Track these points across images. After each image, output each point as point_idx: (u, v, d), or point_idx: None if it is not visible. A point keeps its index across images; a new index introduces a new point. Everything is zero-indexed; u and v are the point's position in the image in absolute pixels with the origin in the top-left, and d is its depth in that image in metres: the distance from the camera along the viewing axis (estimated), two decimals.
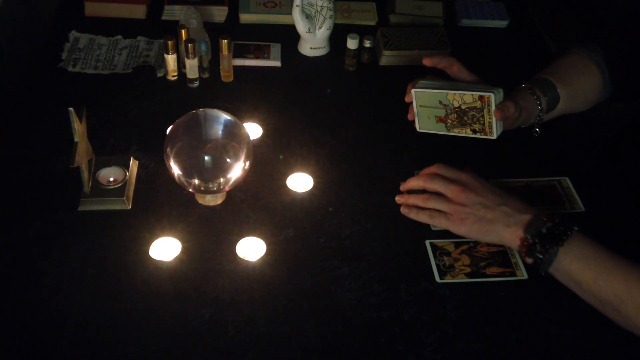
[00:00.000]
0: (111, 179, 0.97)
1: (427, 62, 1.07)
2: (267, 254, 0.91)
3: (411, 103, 1.03)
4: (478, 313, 0.87)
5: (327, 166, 1.05)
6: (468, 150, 1.09)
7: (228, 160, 0.92)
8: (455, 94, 0.97)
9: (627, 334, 0.86)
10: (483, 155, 1.08)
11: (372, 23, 1.37)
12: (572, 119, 1.15)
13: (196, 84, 1.17)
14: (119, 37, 1.26)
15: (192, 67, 1.15)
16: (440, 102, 0.99)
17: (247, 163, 0.93)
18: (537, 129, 1.05)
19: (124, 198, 0.95)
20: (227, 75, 1.19)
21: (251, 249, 0.91)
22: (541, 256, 0.84)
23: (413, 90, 1.00)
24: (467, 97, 0.97)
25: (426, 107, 1.01)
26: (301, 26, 1.23)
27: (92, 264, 0.88)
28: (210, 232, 0.93)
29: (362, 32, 1.22)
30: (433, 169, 0.94)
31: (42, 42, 1.26)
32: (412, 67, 1.26)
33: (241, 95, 1.17)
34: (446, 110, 1.00)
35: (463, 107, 0.98)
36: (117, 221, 0.93)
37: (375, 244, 0.94)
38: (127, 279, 0.87)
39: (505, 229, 0.87)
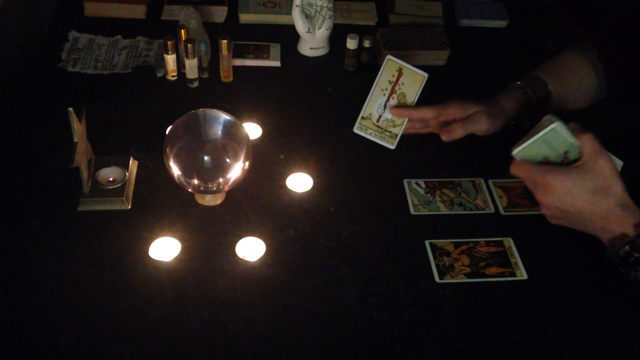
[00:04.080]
0: (111, 179, 0.97)
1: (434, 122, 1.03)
2: (266, 254, 0.91)
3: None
4: (478, 313, 0.87)
5: (327, 166, 1.05)
6: (468, 150, 1.09)
7: (227, 160, 0.91)
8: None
9: (626, 334, 0.86)
10: (483, 155, 1.08)
11: (372, 23, 1.37)
12: (572, 120, 1.14)
13: (196, 84, 1.17)
14: (119, 37, 1.26)
15: (191, 67, 1.14)
16: (563, 154, 0.87)
17: (247, 163, 0.93)
18: (527, 121, 1.07)
19: (124, 198, 0.95)
20: (226, 76, 1.19)
21: (251, 249, 0.91)
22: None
23: (555, 125, 0.84)
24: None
25: (544, 148, 0.87)
26: (301, 26, 1.23)
27: (91, 264, 0.88)
28: (210, 232, 0.93)
29: (361, 32, 1.22)
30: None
31: (42, 42, 1.26)
32: None
33: (241, 95, 1.17)
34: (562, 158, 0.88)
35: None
36: (117, 221, 0.93)
37: (375, 244, 0.94)
38: (127, 279, 0.86)
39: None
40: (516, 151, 0.88)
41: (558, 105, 1.07)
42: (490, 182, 1.04)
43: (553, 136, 0.84)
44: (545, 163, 0.87)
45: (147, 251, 0.90)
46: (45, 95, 1.13)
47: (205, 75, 1.19)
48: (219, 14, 1.33)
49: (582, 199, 0.83)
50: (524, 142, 0.87)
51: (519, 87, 1.05)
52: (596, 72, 1.07)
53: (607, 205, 0.83)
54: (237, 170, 0.92)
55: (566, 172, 0.84)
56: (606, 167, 0.83)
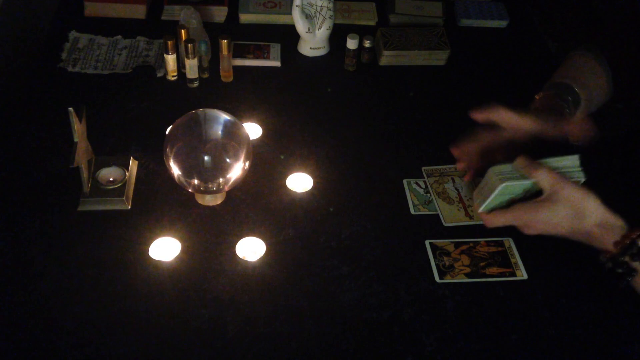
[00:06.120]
0: (111, 179, 0.97)
1: (478, 116, 0.93)
2: (266, 254, 0.91)
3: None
4: (478, 313, 0.87)
5: (327, 166, 1.05)
6: None
7: (228, 160, 0.91)
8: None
9: (626, 334, 0.86)
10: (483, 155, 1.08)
11: (372, 23, 1.37)
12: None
13: (196, 84, 1.17)
14: (119, 37, 1.26)
15: (192, 67, 1.14)
16: (525, 192, 0.85)
17: (247, 163, 0.93)
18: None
19: (124, 198, 0.95)
20: (226, 75, 1.19)
21: (251, 249, 0.91)
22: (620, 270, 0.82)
23: (503, 185, 0.82)
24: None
25: (505, 195, 0.85)
26: (301, 26, 1.23)
27: (91, 264, 0.88)
28: (210, 232, 0.93)
29: (362, 32, 1.22)
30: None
31: (42, 42, 1.26)
32: (412, 67, 1.26)
33: (241, 95, 1.17)
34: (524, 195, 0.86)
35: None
36: (117, 221, 0.93)
37: (375, 244, 0.94)
38: (127, 279, 0.87)
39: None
40: (481, 209, 0.86)
41: (583, 111, 1.03)
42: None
43: (507, 189, 0.84)
44: (512, 202, 0.85)
45: (147, 251, 0.90)
46: (45, 95, 1.13)
47: (205, 75, 1.19)
48: (219, 14, 1.33)
49: (561, 226, 0.83)
50: (481, 198, 0.86)
51: (557, 96, 0.96)
52: (606, 74, 1.06)
53: (586, 227, 0.82)
54: (237, 170, 0.92)
55: (537, 209, 0.82)
56: (572, 194, 0.81)
